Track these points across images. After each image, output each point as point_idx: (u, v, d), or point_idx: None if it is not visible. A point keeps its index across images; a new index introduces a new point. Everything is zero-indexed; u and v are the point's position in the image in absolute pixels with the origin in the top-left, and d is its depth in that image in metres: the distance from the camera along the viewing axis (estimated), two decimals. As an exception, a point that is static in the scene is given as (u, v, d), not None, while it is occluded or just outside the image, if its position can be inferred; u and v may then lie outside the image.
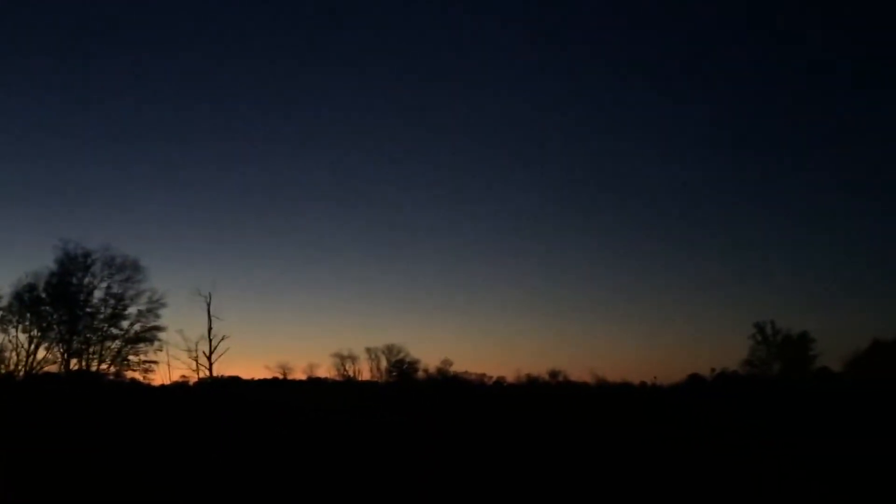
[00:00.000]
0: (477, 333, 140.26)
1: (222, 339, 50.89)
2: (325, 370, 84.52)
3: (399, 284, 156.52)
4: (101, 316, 53.52)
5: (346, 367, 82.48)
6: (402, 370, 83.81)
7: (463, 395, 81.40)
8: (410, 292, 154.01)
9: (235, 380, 73.90)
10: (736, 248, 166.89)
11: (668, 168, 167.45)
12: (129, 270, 54.12)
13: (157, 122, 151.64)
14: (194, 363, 51.90)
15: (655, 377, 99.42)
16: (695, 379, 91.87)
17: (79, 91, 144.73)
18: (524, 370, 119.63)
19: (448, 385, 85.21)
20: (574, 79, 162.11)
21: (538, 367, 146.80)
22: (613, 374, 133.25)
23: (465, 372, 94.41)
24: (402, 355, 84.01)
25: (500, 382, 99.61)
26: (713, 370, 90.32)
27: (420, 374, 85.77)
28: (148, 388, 57.10)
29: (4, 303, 51.36)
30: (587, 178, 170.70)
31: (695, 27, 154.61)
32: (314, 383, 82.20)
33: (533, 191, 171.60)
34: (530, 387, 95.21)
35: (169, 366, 53.63)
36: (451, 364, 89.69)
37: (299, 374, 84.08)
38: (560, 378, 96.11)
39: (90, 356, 53.07)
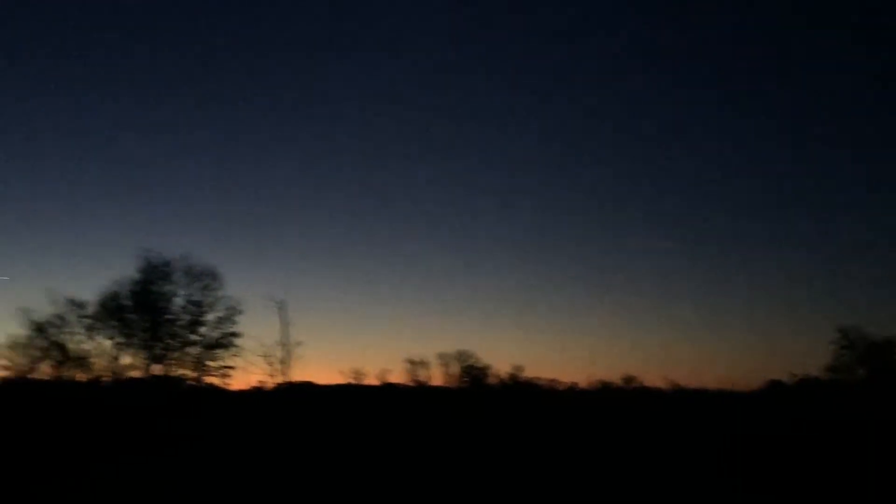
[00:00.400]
0: (549, 339, 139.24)
1: (296, 344, 51.77)
2: (398, 376, 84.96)
3: (471, 290, 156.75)
4: (181, 323, 54.42)
5: (418, 373, 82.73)
6: (473, 376, 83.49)
7: (534, 401, 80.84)
8: (482, 298, 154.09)
9: (309, 385, 74.36)
10: (813, 252, 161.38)
11: (742, 171, 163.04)
12: (207, 278, 55.07)
13: (231, 130, 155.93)
14: (270, 368, 53.17)
15: (733, 383, 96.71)
16: (775, 385, 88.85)
17: (161, 101, 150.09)
18: (597, 376, 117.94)
19: (519, 391, 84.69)
20: (665, 72, 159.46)
21: (611, 372, 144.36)
22: (689, 380, 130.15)
23: (537, 378, 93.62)
24: (473, 361, 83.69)
25: (572, 388, 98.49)
26: (794, 375, 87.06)
27: (491, 379, 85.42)
28: (226, 393, 58.28)
29: (91, 311, 53.29)
30: (656, 180, 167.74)
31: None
32: (387, 389, 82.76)
33: (603, 193, 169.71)
34: (603, 392, 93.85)
35: (246, 371, 54.62)
36: (522, 370, 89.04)
37: (372, 380, 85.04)
38: (634, 384, 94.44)
39: (171, 362, 54.00)
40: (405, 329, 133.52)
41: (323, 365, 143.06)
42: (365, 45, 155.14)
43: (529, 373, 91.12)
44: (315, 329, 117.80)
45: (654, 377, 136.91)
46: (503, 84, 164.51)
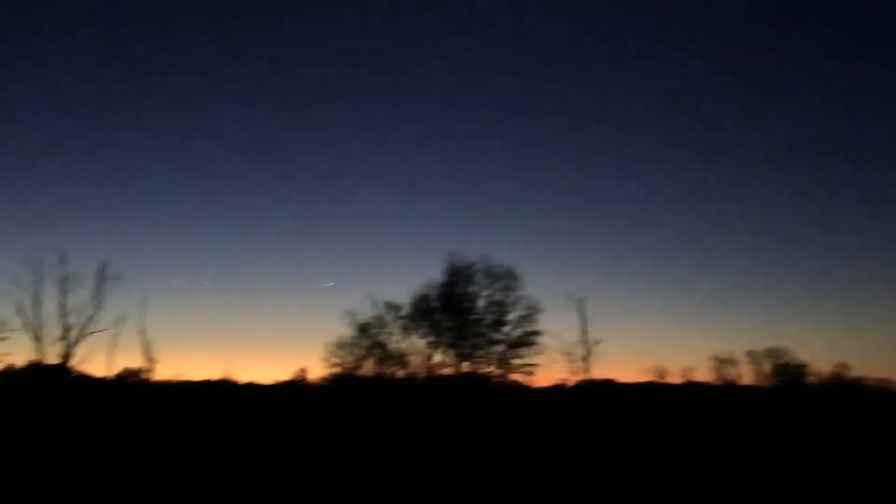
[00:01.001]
0: (882, 334, 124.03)
1: (597, 342, 51.25)
2: (703, 374, 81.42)
3: (786, 281, 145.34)
4: (485, 322, 56.47)
5: (725, 372, 78.44)
6: (787, 375, 76.97)
7: (861, 402, 72.81)
8: (799, 289, 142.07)
9: (610, 383, 72.91)
10: None
11: None
12: (507, 279, 56.62)
13: (526, 132, 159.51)
14: (571, 366, 53.77)
15: None
16: None
17: (454, 108, 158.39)
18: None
19: (842, 391, 76.52)
20: None
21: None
22: None
23: (865, 377, 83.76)
24: (787, 359, 77.35)
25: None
26: None
27: (810, 379, 78.01)
28: (529, 390, 59.33)
29: (405, 312, 57.04)
30: None
31: None
32: (691, 387, 79.28)
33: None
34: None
35: (547, 368, 55.38)
36: (847, 368, 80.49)
37: (675, 378, 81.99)
38: None
39: (478, 360, 56.24)
40: (711, 324, 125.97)
41: (624, 362, 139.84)
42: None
43: (856, 371, 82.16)
44: (616, 326, 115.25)
45: None
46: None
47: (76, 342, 46.90)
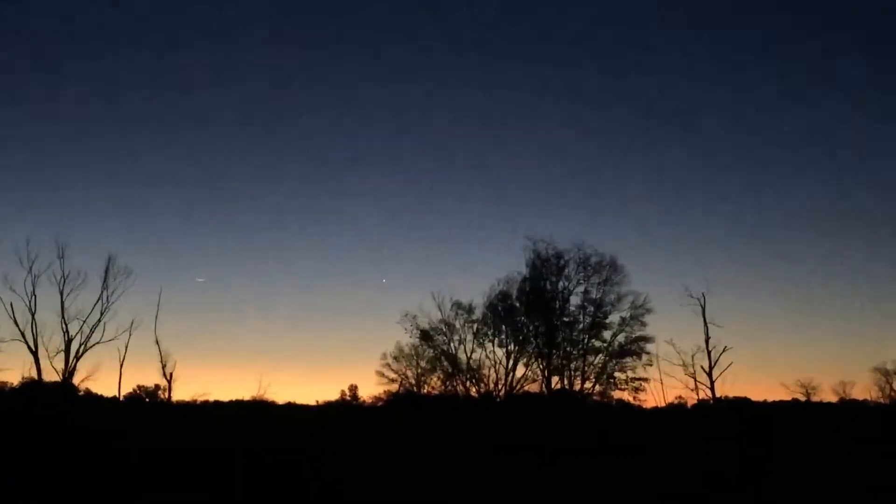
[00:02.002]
0: None
1: (724, 350, 43.24)
2: (864, 390, 71.65)
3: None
4: (580, 326, 50.48)
5: (892, 386, 67.78)
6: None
7: None
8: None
9: (744, 401, 65.49)
10: None
11: None
12: (607, 271, 50.52)
13: (632, 117, 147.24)
14: (691, 381, 45.22)
15: None
16: None
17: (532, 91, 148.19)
18: None
19: None
20: None
21: None
22: None
23: None
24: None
25: None
26: None
27: None
28: (639, 412, 52.27)
29: (478, 314, 50.86)
30: None
31: None
32: (848, 406, 68.24)
33: None
34: None
35: (662, 384, 47.96)
36: None
37: (828, 395, 72.85)
38: None
39: (572, 373, 49.72)
40: (872, 329, 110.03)
41: (760, 376, 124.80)
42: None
43: None
44: (748, 330, 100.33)
45: None
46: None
47: (80, 354, 42.81)
